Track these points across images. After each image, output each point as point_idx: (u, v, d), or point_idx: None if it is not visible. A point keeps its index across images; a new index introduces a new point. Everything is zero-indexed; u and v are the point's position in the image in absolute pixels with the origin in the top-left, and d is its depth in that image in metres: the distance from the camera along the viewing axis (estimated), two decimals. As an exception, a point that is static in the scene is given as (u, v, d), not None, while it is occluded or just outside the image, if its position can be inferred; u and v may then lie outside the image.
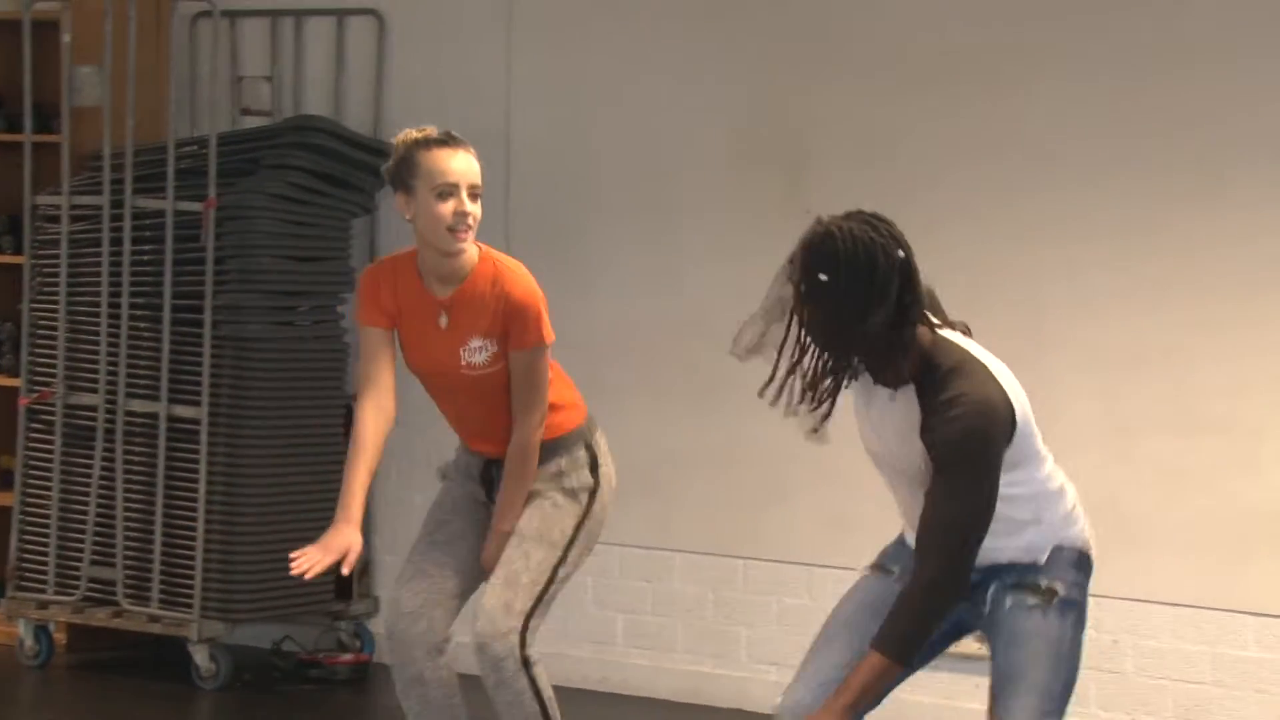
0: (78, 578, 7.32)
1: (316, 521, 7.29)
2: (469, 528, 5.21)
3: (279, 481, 7.21)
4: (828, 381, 4.13)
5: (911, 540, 4.23)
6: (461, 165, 4.92)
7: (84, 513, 7.32)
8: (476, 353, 5.00)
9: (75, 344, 7.38)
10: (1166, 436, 6.23)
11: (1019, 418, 4.07)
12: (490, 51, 7.37)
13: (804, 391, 4.15)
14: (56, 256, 7.37)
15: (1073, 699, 4.20)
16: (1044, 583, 4.16)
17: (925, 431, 4.02)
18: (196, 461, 7.10)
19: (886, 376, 4.11)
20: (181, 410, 7.14)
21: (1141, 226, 6.29)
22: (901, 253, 4.03)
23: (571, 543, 5.10)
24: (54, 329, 7.39)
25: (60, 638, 7.59)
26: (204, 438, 7.08)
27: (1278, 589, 6.12)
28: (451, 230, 4.90)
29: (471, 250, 4.99)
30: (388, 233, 7.60)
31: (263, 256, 7.15)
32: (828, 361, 4.10)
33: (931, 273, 6.56)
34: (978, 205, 6.54)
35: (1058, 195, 6.43)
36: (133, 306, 7.25)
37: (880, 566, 4.38)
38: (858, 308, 3.99)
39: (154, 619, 7.17)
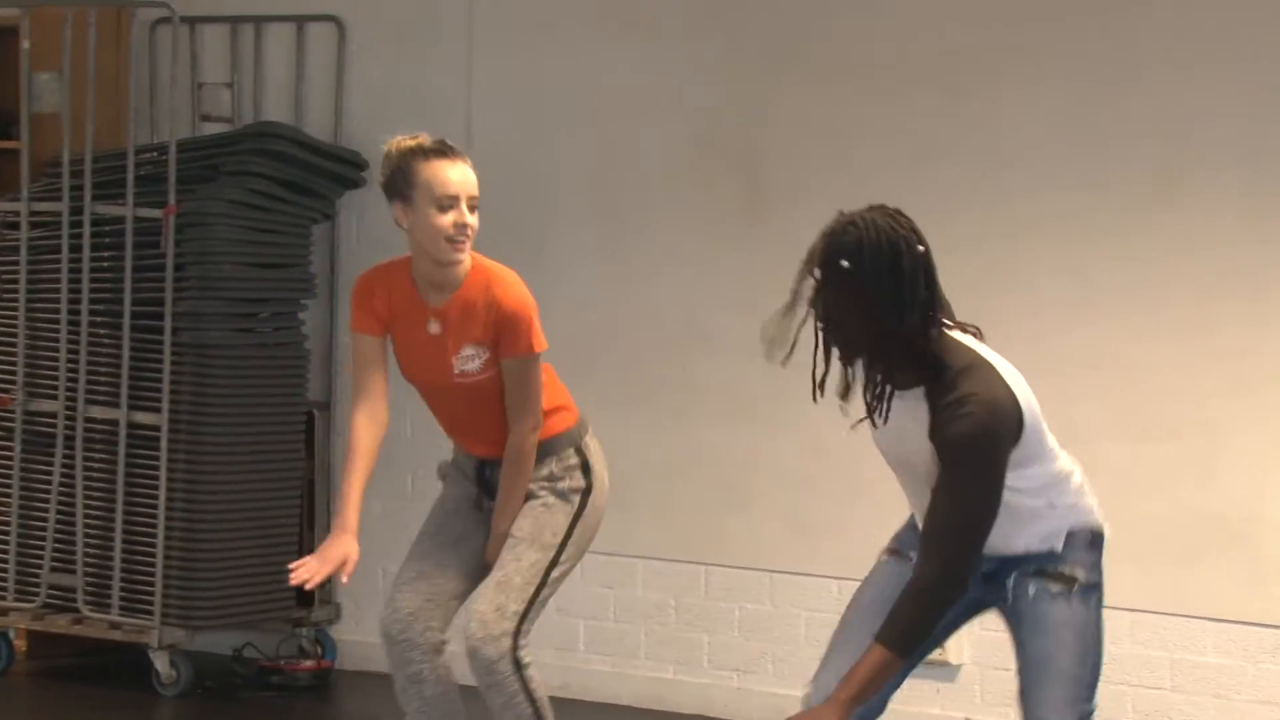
0: (37, 584, 7.30)
1: (277, 528, 7.31)
2: (470, 529, 5.23)
3: (239, 488, 7.19)
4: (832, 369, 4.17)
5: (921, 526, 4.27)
6: (460, 176, 4.95)
7: (44, 519, 7.29)
8: (469, 360, 5.02)
9: (35, 350, 7.35)
10: (1122, 442, 6.25)
11: (1027, 418, 4.11)
12: (451, 58, 7.37)
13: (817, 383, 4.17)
14: (16, 263, 7.35)
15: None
16: (1065, 569, 4.22)
17: (933, 432, 4.06)
18: (157, 468, 7.09)
19: (897, 377, 4.11)
20: (142, 417, 7.13)
21: (1096, 233, 6.32)
22: (921, 248, 4.08)
23: (564, 544, 5.12)
24: (13, 335, 7.36)
25: (20, 645, 7.56)
26: (164, 444, 7.06)
27: (1235, 595, 6.15)
28: (450, 241, 4.93)
29: (466, 262, 5.01)
30: (348, 239, 7.59)
31: (223, 263, 7.14)
32: (839, 352, 4.13)
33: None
34: (935, 212, 6.55)
35: (1011, 202, 6.46)
36: (93, 313, 7.23)
37: (895, 551, 4.41)
38: (880, 299, 4.02)
39: (114, 626, 7.15)
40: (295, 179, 7.30)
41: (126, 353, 7.14)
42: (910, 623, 4.07)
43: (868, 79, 6.64)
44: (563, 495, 5.16)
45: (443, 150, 4.96)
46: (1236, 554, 6.14)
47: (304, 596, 7.50)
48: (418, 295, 5.05)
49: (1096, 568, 4.27)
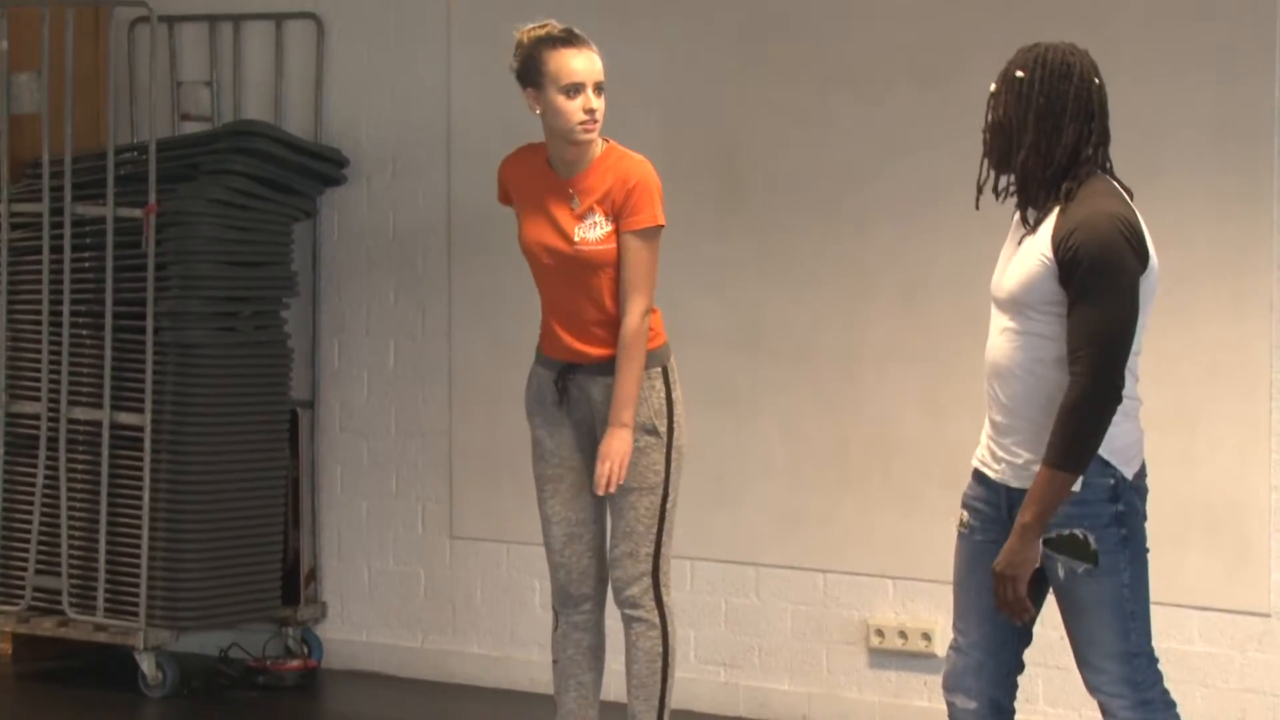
0: (22, 587, 7.29)
1: (261, 527, 7.29)
2: (570, 473, 5.55)
3: (223, 488, 7.18)
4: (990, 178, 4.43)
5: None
6: (585, 64, 5.35)
7: (28, 521, 7.28)
8: (591, 228, 5.38)
9: (17, 352, 7.34)
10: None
11: (1151, 271, 4.26)
12: (429, 54, 7.36)
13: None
14: (-4, 264, 7.34)
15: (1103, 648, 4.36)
16: (1082, 534, 4.25)
17: (1064, 243, 4.18)
18: (140, 468, 7.07)
19: (1040, 197, 4.29)
20: (125, 417, 7.11)
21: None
22: (1097, 80, 4.31)
23: (668, 478, 5.49)
24: (-5, 337, 7.36)
25: (5, 647, 7.56)
26: (147, 444, 7.05)
27: (1217, 582, 6.13)
28: (581, 124, 5.32)
29: (598, 142, 5.41)
30: (329, 236, 7.58)
31: (204, 262, 7.12)
32: (993, 159, 4.37)
33: (865, 266, 6.60)
34: (911, 201, 6.55)
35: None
36: (74, 314, 7.22)
37: (962, 526, 4.50)
38: (1046, 110, 4.25)
39: (100, 628, 7.14)
40: (275, 177, 7.29)
41: (109, 353, 7.12)
42: (1073, 438, 4.15)
43: (840, 68, 6.62)
44: (651, 430, 5.45)
45: (569, 39, 5.35)
46: (1220, 542, 6.13)
47: (290, 596, 7.50)
48: (550, 169, 5.44)
49: (1121, 520, 4.28)
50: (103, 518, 7.12)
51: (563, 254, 5.40)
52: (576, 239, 5.38)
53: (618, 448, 5.37)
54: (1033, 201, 4.31)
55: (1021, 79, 4.26)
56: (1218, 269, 6.09)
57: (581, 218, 5.38)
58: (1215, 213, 6.10)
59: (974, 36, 6.39)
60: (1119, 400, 4.17)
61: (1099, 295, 4.16)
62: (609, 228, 5.38)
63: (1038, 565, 4.27)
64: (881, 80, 6.55)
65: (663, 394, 5.49)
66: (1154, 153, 6.13)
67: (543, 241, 5.43)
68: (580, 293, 5.42)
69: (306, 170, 7.38)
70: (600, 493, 5.41)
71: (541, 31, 5.37)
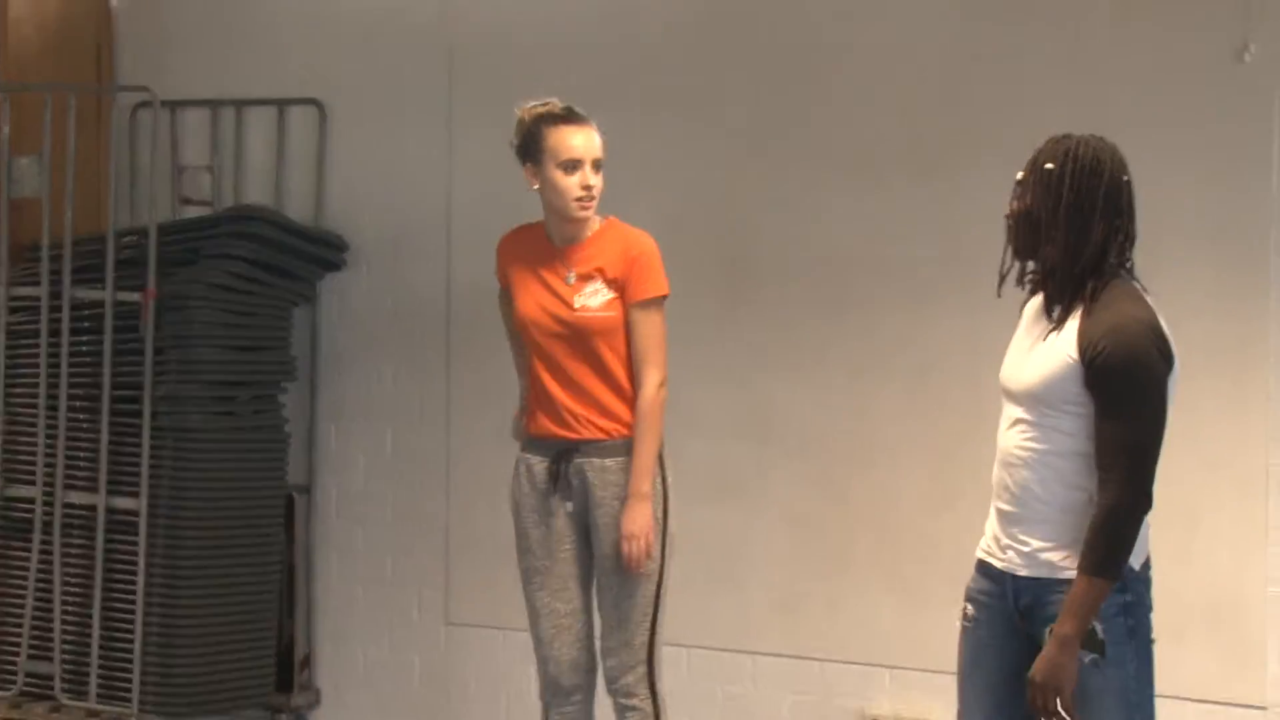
0: (15, 672, 7.26)
1: (256, 613, 7.27)
2: (557, 564, 5.54)
3: (218, 573, 7.16)
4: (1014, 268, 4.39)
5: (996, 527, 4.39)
6: (584, 141, 5.42)
7: (21, 606, 7.26)
8: (592, 296, 5.41)
9: (13, 435, 7.33)
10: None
11: (1174, 374, 4.26)
12: (431, 139, 7.39)
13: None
14: (-6, 347, 7.35)
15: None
16: (1091, 624, 4.23)
17: (1092, 348, 4.16)
18: (135, 554, 7.05)
19: (1066, 293, 4.26)
20: (120, 502, 7.10)
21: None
22: (1126, 177, 4.27)
23: (663, 563, 5.49)
24: (-9, 420, 7.35)
25: (-3, 733, 7.53)
26: (143, 529, 7.03)
27: (1214, 675, 6.12)
28: (578, 200, 5.38)
29: (596, 219, 5.47)
30: (329, 321, 7.58)
31: (203, 346, 7.12)
32: (1017, 249, 4.33)
33: (870, 357, 6.61)
34: (917, 290, 6.57)
35: (987, 284, 6.46)
36: (71, 397, 7.22)
37: (965, 619, 4.49)
38: (1073, 205, 4.21)
39: (92, 714, 7.11)
40: (275, 261, 7.30)
41: (105, 437, 7.11)
42: (1109, 547, 4.16)
43: (843, 161, 6.64)
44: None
45: (569, 116, 5.40)
46: (1217, 634, 6.13)
47: (284, 683, 7.47)
48: (548, 241, 5.50)
49: (1129, 611, 4.29)
50: (96, 603, 7.10)
51: (564, 320, 5.43)
52: (577, 306, 5.41)
53: (641, 524, 5.39)
54: (1057, 296, 4.29)
55: (1050, 171, 4.23)
56: (1215, 364, 6.10)
57: (585, 279, 5.42)
58: (1212, 309, 6.11)
59: (974, 130, 6.43)
60: (1151, 506, 4.21)
61: (1130, 405, 4.17)
62: (610, 295, 5.42)
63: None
64: (884, 172, 6.57)
65: (659, 480, 5.50)
66: (1152, 249, 6.12)
67: (545, 307, 5.46)
68: (583, 362, 5.44)
69: (306, 255, 7.39)
70: (633, 571, 5.41)
71: (543, 109, 5.43)
